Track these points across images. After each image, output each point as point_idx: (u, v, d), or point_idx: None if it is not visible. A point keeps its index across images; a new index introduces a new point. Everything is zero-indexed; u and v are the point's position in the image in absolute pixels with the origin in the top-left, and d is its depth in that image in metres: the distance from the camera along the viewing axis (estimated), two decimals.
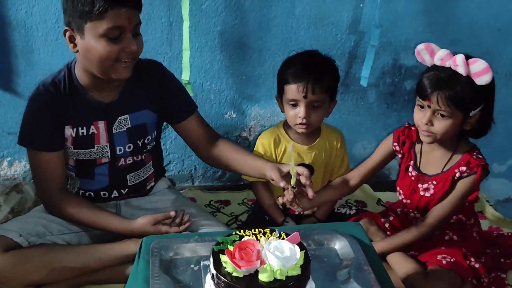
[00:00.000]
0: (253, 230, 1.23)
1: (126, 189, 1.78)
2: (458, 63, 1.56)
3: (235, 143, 1.87)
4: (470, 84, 1.55)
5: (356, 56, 2.20)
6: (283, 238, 1.18)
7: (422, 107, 1.63)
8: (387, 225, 1.88)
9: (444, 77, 1.58)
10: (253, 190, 2.01)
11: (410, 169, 1.77)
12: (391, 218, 1.90)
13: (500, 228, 2.11)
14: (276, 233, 1.21)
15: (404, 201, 1.81)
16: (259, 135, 2.29)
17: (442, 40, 2.17)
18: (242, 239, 1.17)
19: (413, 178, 1.75)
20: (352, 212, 2.07)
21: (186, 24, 1.99)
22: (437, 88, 1.57)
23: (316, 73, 1.74)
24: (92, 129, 1.65)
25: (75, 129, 1.64)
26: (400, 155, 1.82)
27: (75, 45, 1.52)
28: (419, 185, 1.74)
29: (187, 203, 1.90)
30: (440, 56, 1.62)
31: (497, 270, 1.81)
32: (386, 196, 2.32)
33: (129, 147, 1.71)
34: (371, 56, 2.13)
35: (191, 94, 2.03)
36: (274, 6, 2.06)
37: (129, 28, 1.47)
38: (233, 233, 1.22)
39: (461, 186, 1.67)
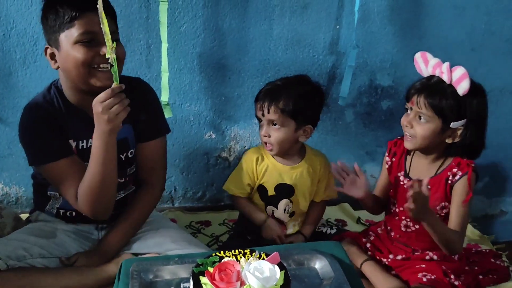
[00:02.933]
0: (233, 251, 1.24)
1: None
2: (443, 70, 1.62)
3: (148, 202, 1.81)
4: (452, 94, 1.61)
5: (333, 77, 2.23)
6: (263, 259, 1.19)
7: (407, 110, 1.70)
8: (368, 245, 1.89)
9: (429, 83, 1.65)
10: (234, 203, 2.00)
11: (401, 178, 1.80)
12: (372, 238, 1.91)
13: (478, 245, 2.15)
14: (256, 253, 1.21)
15: (396, 210, 1.82)
16: (239, 155, 2.32)
17: None
18: (222, 260, 1.18)
19: (405, 186, 1.77)
20: (333, 231, 2.08)
21: (164, 46, 2.00)
22: (419, 91, 1.65)
23: (275, 93, 1.79)
24: (91, 142, 1.63)
25: (75, 143, 1.64)
26: (387, 166, 1.86)
27: (55, 62, 1.55)
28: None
29: (167, 224, 1.89)
30: (431, 64, 1.69)
31: (475, 287, 1.84)
32: (366, 215, 2.32)
33: None
34: (349, 76, 2.17)
35: (170, 116, 2.04)
36: (252, 28, 2.09)
37: (101, 34, 1.47)
38: (213, 254, 1.23)
39: (459, 191, 1.69)
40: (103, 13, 1.34)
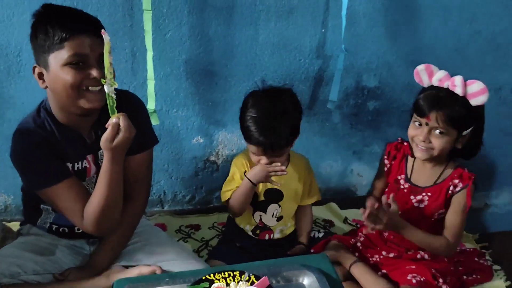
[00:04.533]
0: (222, 273, 1.26)
1: None
2: (456, 83, 1.64)
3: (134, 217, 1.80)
4: (465, 104, 1.64)
5: (320, 80, 2.24)
6: (252, 282, 1.21)
7: (420, 124, 1.70)
8: (358, 244, 1.93)
9: (442, 97, 1.66)
10: (230, 204, 1.93)
11: (402, 182, 1.83)
12: (362, 239, 1.95)
13: (462, 244, 2.19)
14: (246, 275, 1.24)
15: None
16: (227, 158, 2.34)
17: (403, 61, 2.25)
18: (212, 286, 1.20)
19: (405, 190, 1.81)
20: (321, 235, 2.10)
21: (150, 54, 1.99)
22: (436, 107, 1.65)
23: (275, 134, 1.72)
24: (85, 163, 1.65)
25: (71, 165, 1.63)
26: (386, 168, 1.88)
27: (43, 81, 1.53)
28: (411, 197, 1.80)
29: (157, 234, 1.90)
30: (438, 77, 1.70)
31: None
32: (353, 214, 2.37)
33: None
34: (338, 80, 2.18)
35: (156, 123, 2.04)
36: (238, 34, 2.09)
37: (91, 56, 1.47)
38: (203, 277, 1.25)
39: (458, 200, 1.75)
40: (107, 52, 1.34)
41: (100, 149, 1.67)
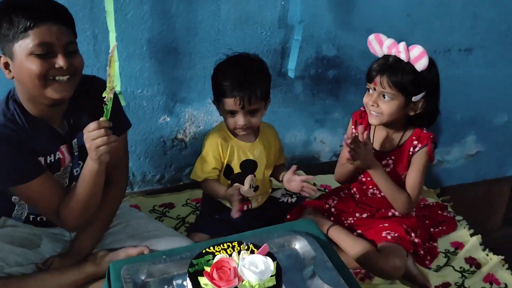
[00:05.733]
0: (222, 245, 1.29)
1: None
2: (400, 49, 1.71)
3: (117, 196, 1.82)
4: (411, 70, 1.71)
5: (282, 52, 2.28)
6: (252, 250, 1.25)
7: (369, 90, 1.78)
8: (332, 209, 2.01)
9: (388, 63, 1.74)
10: (203, 187, 2.02)
11: None
12: (335, 202, 2.03)
13: (425, 199, 2.32)
14: (244, 245, 1.28)
15: (363, 179, 1.94)
16: (194, 135, 2.35)
17: (359, 30, 2.32)
18: (215, 258, 1.23)
19: (367, 131, 1.87)
20: (294, 200, 2.17)
21: (112, 35, 1.95)
22: (381, 72, 1.73)
23: (250, 85, 1.80)
24: (58, 155, 1.62)
25: (43, 158, 1.59)
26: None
27: (10, 71, 1.48)
28: None
29: (136, 215, 1.91)
30: (387, 45, 1.77)
31: (429, 240, 2.02)
32: (320, 180, 2.45)
33: (80, 165, 1.69)
34: (296, 49, 2.23)
35: (123, 104, 2.02)
36: (200, 10, 2.08)
37: (58, 45, 1.43)
38: (204, 251, 1.28)
39: (417, 159, 1.84)
40: (113, 57, 1.32)
41: (74, 138, 1.65)
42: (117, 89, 2.04)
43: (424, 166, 1.85)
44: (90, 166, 1.51)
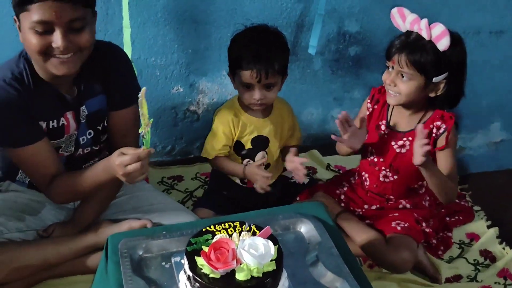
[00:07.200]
0: (223, 224, 1.24)
1: None
2: (421, 26, 1.61)
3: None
4: (432, 49, 1.60)
5: (302, 25, 2.19)
6: (254, 232, 1.20)
7: (388, 68, 1.69)
8: (342, 196, 1.94)
9: (409, 41, 1.64)
10: (213, 164, 1.97)
11: (383, 127, 1.82)
12: (345, 189, 1.96)
13: None
14: (246, 226, 1.22)
15: (375, 160, 1.84)
16: (207, 108, 2.29)
17: (385, 4, 2.19)
18: (215, 238, 1.18)
19: (386, 136, 1.80)
20: (306, 181, 2.10)
21: (125, 0, 1.89)
22: (400, 50, 1.63)
23: (268, 58, 1.74)
24: (62, 121, 1.58)
25: (45, 123, 1.56)
26: (368, 113, 1.86)
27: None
28: (392, 143, 1.78)
29: (142, 186, 1.87)
30: (409, 20, 1.66)
31: (443, 230, 1.94)
32: (335, 160, 2.38)
33: (90, 134, 1.66)
34: (319, 25, 2.14)
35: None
36: None
37: (58, 23, 1.36)
38: (203, 229, 1.23)
39: (445, 142, 1.72)
40: (143, 100, 1.27)
41: (83, 105, 1.60)
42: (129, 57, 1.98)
43: (455, 147, 1.75)
44: (112, 175, 1.45)
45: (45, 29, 1.36)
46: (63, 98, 1.57)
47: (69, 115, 1.60)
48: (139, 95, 1.27)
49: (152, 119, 1.33)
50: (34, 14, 1.34)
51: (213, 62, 2.17)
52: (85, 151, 1.69)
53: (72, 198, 1.64)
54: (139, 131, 1.32)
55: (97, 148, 1.72)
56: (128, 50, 1.97)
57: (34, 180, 1.63)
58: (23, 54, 1.52)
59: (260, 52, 1.74)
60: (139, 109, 1.29)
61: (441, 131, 1.72)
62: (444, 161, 1.73)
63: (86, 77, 1.58)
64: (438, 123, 1.72)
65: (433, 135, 1.74)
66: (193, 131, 2.33)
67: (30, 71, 1.50)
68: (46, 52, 1.40)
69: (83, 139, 1.66)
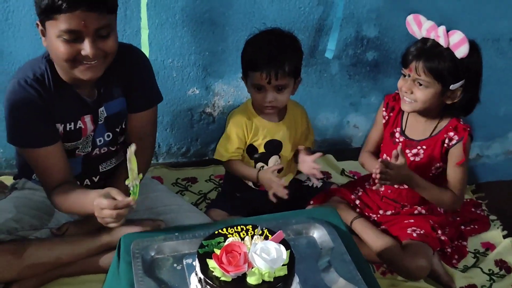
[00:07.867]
0: (235, 227, 1.23)
1: (98, 176, 1.75)
2: (439, 34, 1.60)
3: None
4: (450, 56, 1.59)
5: (319, 29, 2.18)
6: (266, 236, 1.19)
7: (405, 76, 1.68)
8: (357, 202, 1.92)
9: (426, 48, 1.62)
10: (227, 167, 1.97)
11: (397, 135, 1.81)
12: (360, 194, 1.94)
13: None
14: (259, 229, 1.22)
15: None
16: (223, 110, 2.29)
17: (404, 10, 2.17)
18: (227, 241, 1.18)
19: (400, 144, 1.78)
20: (319, 184, 2.09)
21: (144, 1, 1.90)
22: (417, 57, 1.62)
23: (278, 60, 1.73)
24: (80, 124, 1.59)
25: (62, 125, 1.57)
26: (384, 121, 1.85)
27: (45, 40, 1.46)
28: (407, 151, 1.78)
29: (156, 187, 1.88)
30: (425, 27, 1.65)
31: (458, 238, 1.91)
32: (350, 166, 2.36)
33: (108, 136, 1.67)
34: (337, 28, 2.13)
35: None
36: None
37: (87, 32, 1.38)
38: (216, 232, 1.22)
39: (456, 153, 1.72)
40: (132, 156, 1.27)
41: (101, 107, 1.62)
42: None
43: (467, 162, 1.74)
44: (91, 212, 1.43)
45: (73, 37, 1.38)
46: (83, 101, 1.58)
47: (87, 118, 1.61)
48: (127, 152, 1.27)
49: (141, 174, 1.33)
50: (62, 23, 1.35)
51: (229, 65, 2.17)
52: (102, 151, 1.70)
53: (66, 210, 1.61)
54: (126, 183, 1.31)
55: (113, 149, 1.73)
56: (145, 51, 1.97)
57: (41, 181, 1.63)
58: (45, 55, 1.54)
59: (271, 54, 1.74)
60: (127, 164, 1.29)
61: (453, 142, 1.71)
62: (453, 174, 1.74)
63: (106, 80, 1.59)
64: (451, 134, 1.71)
65: (445, 145, 1.73)
66: (209, 133, 2.34)
67: (51, 73, 1.52)
68: (74, 59, 1.42)
69: (99, 140, 1.67)
